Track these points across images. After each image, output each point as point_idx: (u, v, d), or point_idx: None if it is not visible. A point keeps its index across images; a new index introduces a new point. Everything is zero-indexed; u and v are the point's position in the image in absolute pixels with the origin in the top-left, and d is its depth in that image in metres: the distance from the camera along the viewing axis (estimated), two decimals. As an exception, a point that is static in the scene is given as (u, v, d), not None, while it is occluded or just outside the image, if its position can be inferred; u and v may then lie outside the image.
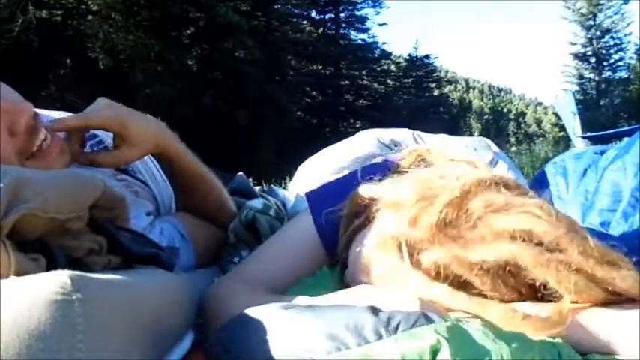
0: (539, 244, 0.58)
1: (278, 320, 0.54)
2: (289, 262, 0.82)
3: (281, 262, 0.82)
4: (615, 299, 0.59)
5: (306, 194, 0.88)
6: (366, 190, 0.75)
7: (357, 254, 0.72)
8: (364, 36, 24.57)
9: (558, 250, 0.57)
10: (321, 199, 0.85)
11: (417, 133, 1.42)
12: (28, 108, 0.72)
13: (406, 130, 1.44)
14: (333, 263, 0.82)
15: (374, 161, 0.95)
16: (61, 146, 0.77)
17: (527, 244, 0.57)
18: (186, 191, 1.05)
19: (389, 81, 27.01)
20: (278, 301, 0.69)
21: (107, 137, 1.08)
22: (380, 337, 0.49)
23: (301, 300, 0.67)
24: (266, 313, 0.56)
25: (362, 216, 0.76)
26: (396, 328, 0.50)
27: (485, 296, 0.60)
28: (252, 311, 0.57)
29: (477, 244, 0.59)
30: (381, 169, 0.81)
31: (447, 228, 0.61)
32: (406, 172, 0.75)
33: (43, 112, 0.89)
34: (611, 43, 28.34)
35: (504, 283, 0.60)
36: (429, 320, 0.51)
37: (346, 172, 1.26)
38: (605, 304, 0.59)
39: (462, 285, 0.60)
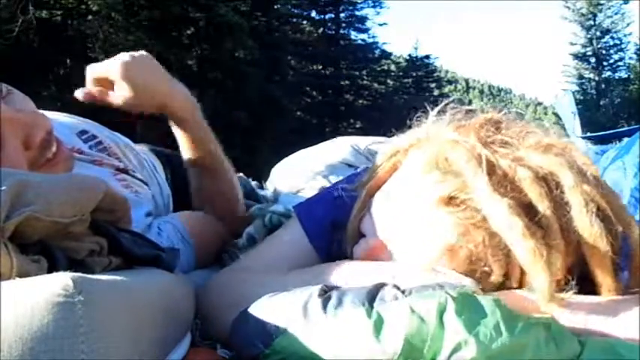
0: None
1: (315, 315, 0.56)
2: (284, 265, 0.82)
3: (274, 265, 0.82)
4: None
5: (295, 209, 0.87)
6: (390, 145, 0.78)
7: (385, 197, 0.72)
8: (364, 36, 24.61)
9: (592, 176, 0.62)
10: (311, 211, 0.86)
11: None
12: (46, 123, 0.73)
13: (383, 138, 1.44)
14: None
15: (354, 171, 0.95)
16: (67, 154, 0.78)
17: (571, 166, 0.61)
18: (196, 171, 1.10)
19: (389, 81, 27.02)
20: (285, 280, 0.70)
21: (106, 138, 1.09)
22: (396, 299, 0.55)
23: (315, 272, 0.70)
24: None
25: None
26: (411, 292, 0.56)
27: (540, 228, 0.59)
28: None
29: (529, 151, 0.62)
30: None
31: (494, 137, 0.65)
32: None
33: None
34: (611, 43, 28.38)
35: (558, 211, 0.59)
36: (442, 287, 0.56)
37: (319, 178, 1.27)
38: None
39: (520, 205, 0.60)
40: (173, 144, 1.17)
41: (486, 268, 0.63)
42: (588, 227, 0.58)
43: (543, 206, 0.59)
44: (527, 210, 0.59)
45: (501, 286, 0.64)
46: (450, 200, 0.63)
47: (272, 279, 0.73)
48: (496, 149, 0.64)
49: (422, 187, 0.66)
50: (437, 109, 0.73)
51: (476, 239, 0.62)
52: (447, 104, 0.73)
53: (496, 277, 0.63)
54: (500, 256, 0.61)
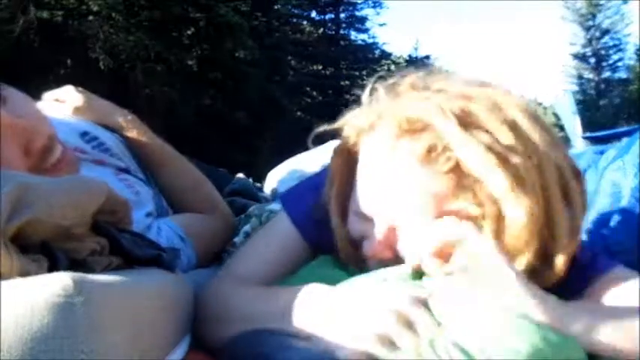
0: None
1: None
2: (272, 258, 0.82)
3: (264, 260, 0.82)
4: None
5: (280, 196, 0.90)
6: (349, 128, 0.81)
7: (362, 170, 0.74)
8: (364, 36, 24.60)
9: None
10: (295, 196, 0.88)
11: None
12: (47, 129, 0.71)
13: None
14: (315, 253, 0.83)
15: None
16: (72, 158, 0.77)
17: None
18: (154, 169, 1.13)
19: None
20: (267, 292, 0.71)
21: (107, 139, 1.09)
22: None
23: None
24: None
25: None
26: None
27: None
28: None
29: (469, 88, 0.68)
30: None
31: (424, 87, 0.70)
32: None
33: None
34: (611, 43, 28.37)
35: None
36: None
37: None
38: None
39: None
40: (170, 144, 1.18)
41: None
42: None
43: (505, 134, 0.62)
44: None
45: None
46: (429, 154, 0.64)
47: (255, 293, 0.73)
48: (427, 92, 0.68)
49: (399, 154, 0.67)
50: (368, 88, 0.81)
51: (463, 192, 0.64)
52: (375, 81, 0.79)
53: (488, 232, 0.63)
54: (488, 206, 0.62)
